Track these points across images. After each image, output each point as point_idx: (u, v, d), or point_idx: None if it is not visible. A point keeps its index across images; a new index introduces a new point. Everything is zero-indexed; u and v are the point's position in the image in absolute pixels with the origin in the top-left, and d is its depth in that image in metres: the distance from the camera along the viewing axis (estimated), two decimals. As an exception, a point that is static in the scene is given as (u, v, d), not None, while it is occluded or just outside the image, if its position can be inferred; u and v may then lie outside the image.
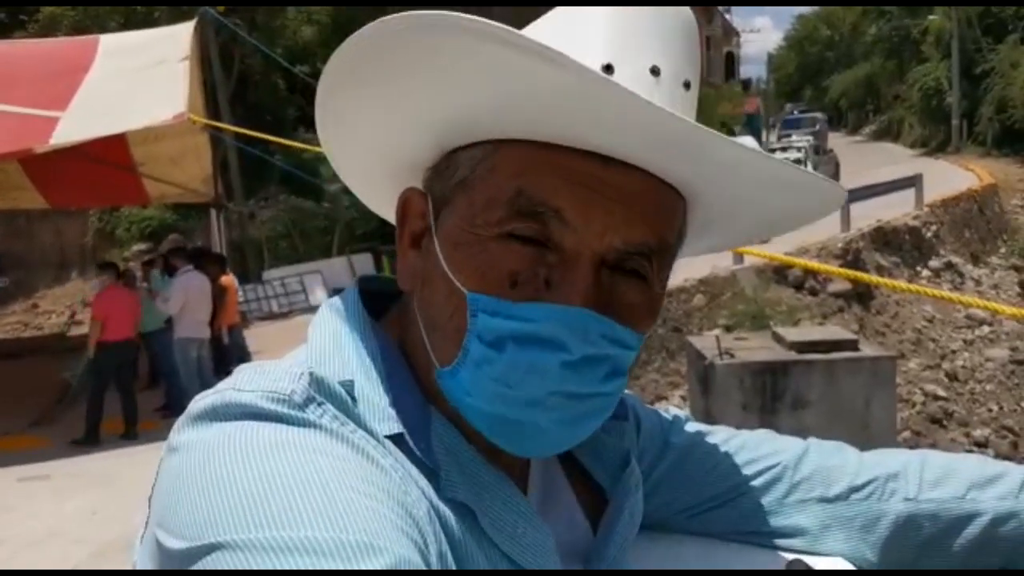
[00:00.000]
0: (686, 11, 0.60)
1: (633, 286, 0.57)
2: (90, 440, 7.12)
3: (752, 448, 0.78)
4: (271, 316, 13.25)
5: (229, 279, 9.06)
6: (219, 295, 8.32)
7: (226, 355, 8.55)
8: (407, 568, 0.44)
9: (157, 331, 8.11)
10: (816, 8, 57.39)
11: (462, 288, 0.55)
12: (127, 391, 7.44)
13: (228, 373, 0.59)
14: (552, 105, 0.52)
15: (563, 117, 0.53)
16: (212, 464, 0.48)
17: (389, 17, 0.51)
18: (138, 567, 0.53)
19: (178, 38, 8.81)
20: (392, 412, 0.56)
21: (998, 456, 8.84)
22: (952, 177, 19.03)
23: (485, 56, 0.50)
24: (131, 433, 7.33)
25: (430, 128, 0.59)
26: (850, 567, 0.73)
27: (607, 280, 0.55)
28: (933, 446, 8.69)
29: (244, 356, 8.97)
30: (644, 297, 0.57)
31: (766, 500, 0.76)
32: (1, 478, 6.40)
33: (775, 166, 0.57)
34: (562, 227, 0.54)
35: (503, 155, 0.56)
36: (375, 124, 0.61)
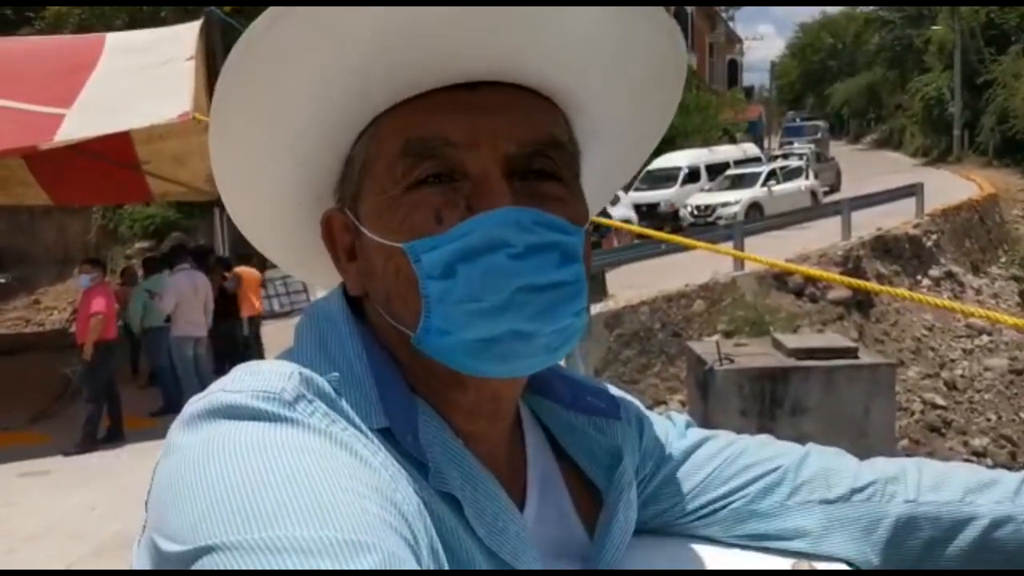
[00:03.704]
0: None
1: (549, 185, 0.60)
2: (93, 443, 7.03)
3: (753, 452, 0.79)
4: (273, 315, 13.24)
5: (246, 270, 9.23)
6: (235, 286, 8.67)
7: (246, 346, 8.73)
8: (398, 564, 0.45)
9: (156, 328, 8.16)
10: (819, 16, 57.50)
11: (397, 244, 0.58)
12: (114, 390, 7.40)
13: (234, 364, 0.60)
14: (399, 51, 0.56)
15: (411, 58, 0.56)
16: (203, 466, 0.49)
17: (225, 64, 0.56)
18: (136, 570, 0.54)
19: (184, 38, 8.81)
20: (379, 407, 0.57)
21: (996, 465, 8.85)
22: (953, 187, 19.05)
23: (312, 31, 0.54)
24: (116, 434, 7.27)
25: (314, 142, 0.62)
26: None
27: (521, 186, 0.58)
28: (931, 455, 8.71)
29: (247, 352, 9.02)
30: (564, 191, 0.61)
31: (768, 503, 0.76)
32: (1, 473, 6.41)
33: (606, 15, 0.58)
34: (456, 152, 0.58)
35: (384, 125, 0.60)
36: (272, 165, 0.64)
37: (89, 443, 7.00)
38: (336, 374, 0.57)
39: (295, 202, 0.67)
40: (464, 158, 0.58)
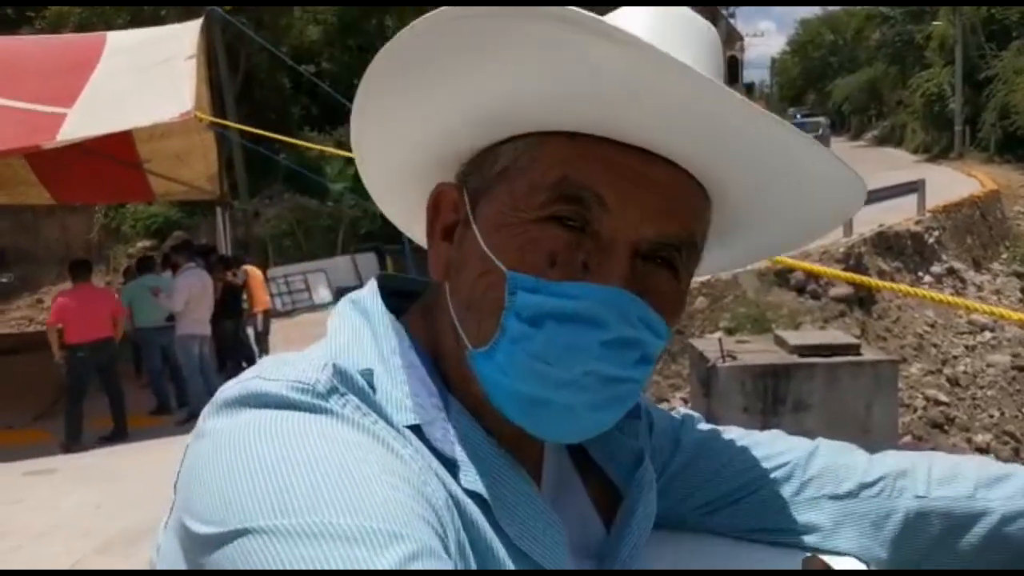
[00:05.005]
0: (712, 28, 0.63)
1: (663, 275, 0.59)
2: (72, 444, 6.98)
3: (762, 446, 0.79)
4: (275, 314, 13.28)
5: (251, 268, 9.40)
6: (244, 278, 8.88)
7: (261, 342, 8.86)
8: (429, 555, 0.46)
9: (148, 328, 8.10)
10: (820, 13, 57.35)
11: (501, 266, 0.56)
12: (113, 390, 7.29)
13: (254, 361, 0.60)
14: (603, 94, 0.54)
15: (611, 108, 0.55)
16: (238, 451, 0.49)
17: (443, 8, 0.53)
18: (162, 551, 0.55)
19: (185, 36, 8.83)
20: (410, 403, 0.57)
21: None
22: (954, 183, 19.01)
23: (547, 38, 0.52)
24: (119, 433, 7.21)
25: (477, 121, 0.60)
26: (862, 567, 0.73)
27: (640, 268, 0.57)
28: (934, 451, 8.68)
29: (247, 352, 9.04)
30: (672, 288, 0.60)
31: (777, 497, 0.76)
32: (7, 472, 6.42)
33: (808, 147, 0.57)
34: (601, 212, 0.56)
35: (548, 146, 0.58)
36: (421, 119, 0.62)
37: (72, 443, 6.96)
38: (370, 368, 0.58)
39: (425, 161, 0.67)
40: (604, 220, 0.56)
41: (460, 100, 0.60)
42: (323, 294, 13.46)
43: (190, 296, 7.57)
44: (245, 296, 9.29)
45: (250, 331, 9.39)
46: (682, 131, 0.56)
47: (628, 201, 0.57)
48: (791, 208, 0.65)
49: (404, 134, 0.65)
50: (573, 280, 0.56)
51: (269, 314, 9.71)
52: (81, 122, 7.60)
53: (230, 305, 8.84)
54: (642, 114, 0.55)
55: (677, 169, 0.58)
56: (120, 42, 9.09)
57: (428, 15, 0.54)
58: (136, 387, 8.83)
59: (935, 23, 30.23)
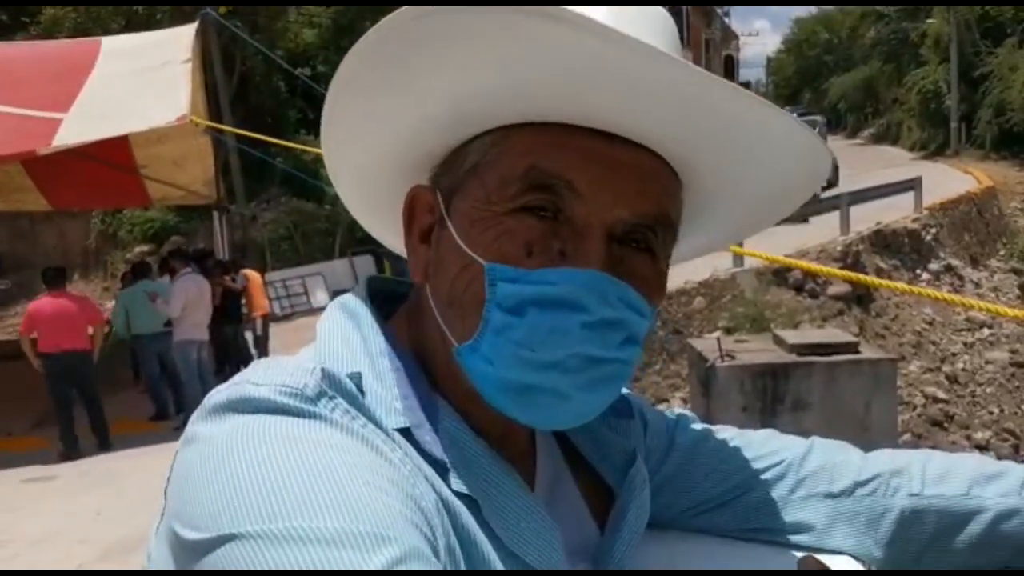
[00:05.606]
0: (668, 14, 0.64)
1: (641, 258, 0.59)
2: (70, 452, 6.97)
3: (757, 446, 0.79)
4: (273, 318, 13.27)
5: (250, 272, 9.43)
6: (243, 282, 8.93)
7: (260, 346, 8.86)
8: (417, 558, 0.45)
9: (145, 335, 8.08)
10: (815, 11, 57.41)
11: (480, 260, 0.57)
12: (90, 402, 7.23)
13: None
14: (566, 82, 0.54)
15: (575, 95, 0.55)
16: (226, 457, 0.49)
17: (402, 9, 0.53)
18: (152, 558, 0.54)
19: (180, 40, 8.83)
20: (399, 406, 0.57)
21: (999, 459, 8.85)
22: (951, 180, 19.03)
23: (509, 30, 0.52)
24: (102, 444, 7.18)
25: (444, 120, 0.60)
26: (858, 566, 0.73)
27: (617, 252, 0.58)
28: (934, 448, 8.69)
29: (245, 356, 9.03)
30: (652, 270, 0.60)
31: (771, 497, 0.76)
32: (6, 479, 6.43)
33: (777, 117, 0.57)
34: (573, 198, 0.56)
35: (515, 138, 0.59)
36: (390, 123, 0.62)
37: (70, 451, 6.94)
38: (358, 371, 0.58)
39: (395, 166, 0.67)
40: (576, 206, 0.57)
41: (425, 100, 0.60)
42: (321, 298, 13.44)
43: (187, 301, 7.57)
44: (244, 301, 9.28)
45: (249, 335, 9.38)
46: (646, 112, 0.56)
47: (599, 185, 0.57)
48: (758, 183, 0.65)
49: (373, 139, 0.65)
50: (551, 267, 0.56)
51: (268, 318, 9.71)
52: (77, 127, 7.60)
53: (230, 310, 8.84)
54: (606, 98, 0.55)
55: (645, 151, 0.59)
56: (115, 47, 9.09)
57: (387, 17, 0.54)
58: (135, 393, 8.82)
59: (930, 21, 30.26)
